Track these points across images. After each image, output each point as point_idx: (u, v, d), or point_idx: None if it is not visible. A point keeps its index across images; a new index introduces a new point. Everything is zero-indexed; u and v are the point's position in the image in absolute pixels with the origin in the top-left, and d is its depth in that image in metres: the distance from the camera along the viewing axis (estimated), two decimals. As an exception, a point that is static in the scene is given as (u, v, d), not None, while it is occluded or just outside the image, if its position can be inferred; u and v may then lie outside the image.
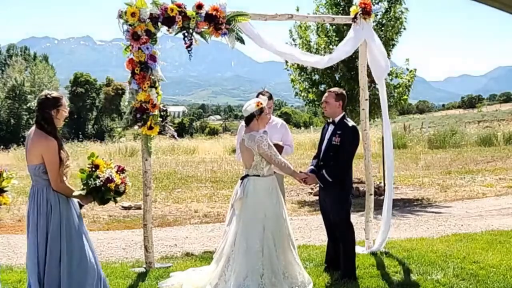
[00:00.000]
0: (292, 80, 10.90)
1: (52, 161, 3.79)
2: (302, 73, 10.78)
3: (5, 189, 4.01)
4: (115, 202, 4.07)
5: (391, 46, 10.37)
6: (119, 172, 4.01)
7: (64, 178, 3.87)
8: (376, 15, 9.50)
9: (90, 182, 3.89)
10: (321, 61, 6.46)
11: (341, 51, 6.09)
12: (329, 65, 7.13)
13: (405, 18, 10.30)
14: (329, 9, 10.44)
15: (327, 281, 5.00)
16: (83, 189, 3.93)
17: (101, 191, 3.90)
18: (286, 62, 10.81)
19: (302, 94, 10.86)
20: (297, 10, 9.85)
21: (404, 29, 10.35)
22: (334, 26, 10.39)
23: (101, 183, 3.87)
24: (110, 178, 3.89)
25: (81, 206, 4.07)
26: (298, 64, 10.68)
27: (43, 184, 3.85)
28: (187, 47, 5.50)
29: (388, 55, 10.34)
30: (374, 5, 7.46)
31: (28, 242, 3.88)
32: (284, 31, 11.14)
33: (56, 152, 3.81)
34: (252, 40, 5.63)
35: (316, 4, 10.68)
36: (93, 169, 3.94)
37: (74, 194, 3.90)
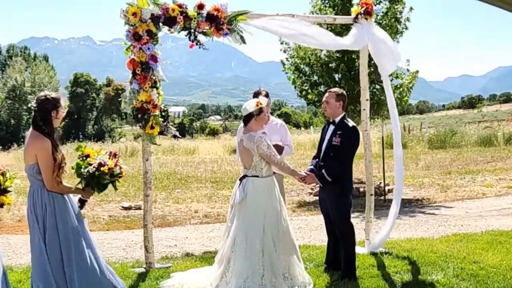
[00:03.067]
0: (294, 81, 10.81)
1: (45, 162, 3.78)
2: (301, 74, 10.71)
3: (8, 189, 4.01)
4: (115, 188, 4.08)
5: None
6: (111, 157, 4.05)
7: (59, 180, 3.85)
8: (376, 16, 9.46)
9: (83, 171, 3.91)
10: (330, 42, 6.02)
11: (341, 44, 5.98)
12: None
13: (408, 18, 10.24)
14: (326, 10, 10.32)
15: (327, 282, 5.00)
16: (79, 183, 3.95)
17: (96, 177, 3.92)
18: (283, 64, 10.82)
19: (303, 94, 10.83)
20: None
21: (406, 29, 10.30)
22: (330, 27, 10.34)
23: (94, 168, 3.90)
24: (102, 162, 3.92)
25: (82, 204, 4.06)
26: (295, 66, 10.66)
27: (38, 185, 3.84)
28: (197, 44, 5.49)
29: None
30: (375, 5, 7.42)
31: (32, 257, 3.88)
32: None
33: (49, 152, 3.79)
34: (261, 30, 5.59)
35: (314, 4, 10.59)
36: (84, 158, 3.98)
37: (72, 189, 3.92)
